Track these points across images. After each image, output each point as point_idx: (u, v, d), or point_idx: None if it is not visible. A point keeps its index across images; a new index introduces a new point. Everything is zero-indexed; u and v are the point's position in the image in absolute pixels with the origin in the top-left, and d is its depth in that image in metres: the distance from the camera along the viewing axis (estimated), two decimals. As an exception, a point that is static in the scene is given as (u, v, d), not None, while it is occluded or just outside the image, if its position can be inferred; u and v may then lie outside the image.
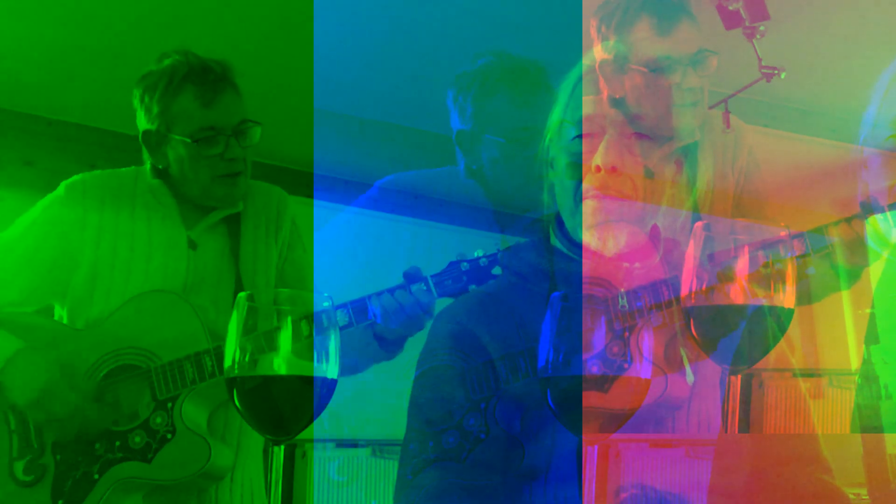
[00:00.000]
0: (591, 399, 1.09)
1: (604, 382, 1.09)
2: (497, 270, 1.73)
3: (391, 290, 1.77)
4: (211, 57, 2.06)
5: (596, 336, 1.10)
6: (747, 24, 3.20)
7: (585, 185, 1.64)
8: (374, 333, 1.81)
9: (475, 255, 1.75)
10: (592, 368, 1.10)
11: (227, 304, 1.99)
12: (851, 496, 1.66)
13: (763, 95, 3.79)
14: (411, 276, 1.77)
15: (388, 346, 1.84)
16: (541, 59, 2.20)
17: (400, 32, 3.44)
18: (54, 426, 1.86)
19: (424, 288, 1.75)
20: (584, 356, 1.10)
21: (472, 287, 1.74)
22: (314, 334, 1.11)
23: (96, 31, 3.58)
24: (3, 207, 2.10)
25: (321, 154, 4.90)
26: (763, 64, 3.35)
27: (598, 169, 1.63)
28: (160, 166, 2.07)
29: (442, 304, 1.84)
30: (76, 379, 1.88)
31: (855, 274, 1.59)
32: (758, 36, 3.25)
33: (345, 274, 1.93)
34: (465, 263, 1.75)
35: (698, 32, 1.81)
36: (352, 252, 2.23)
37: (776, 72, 3.37)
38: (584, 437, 1.12)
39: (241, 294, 1.13)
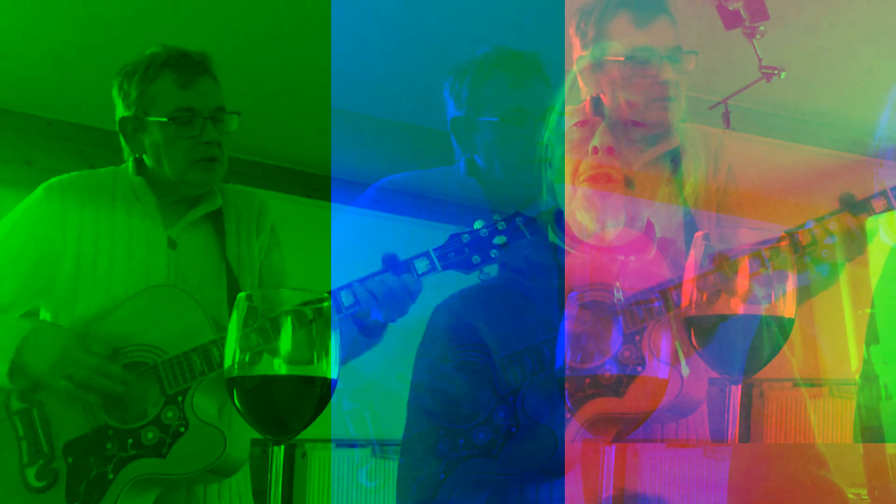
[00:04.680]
0: (606, 403, 1.08)
1: (619, 385, 1.09)
2: (499, 240, 1.72)
3: (377, 275, 1.76)
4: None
5: (611, 339, 1.09)
6: (747, 24, 3.21)
7: (582, 168, 1.66)
8: (357, 322, 1.79)
9: (475, 226, 1.75)
10: (607, 372, 1.09)
11: (213, 302, 1.99)
12: (851, 496, 1.66)
13: (761, 104, 3.81)
14: (391, 262, 1.76)
15: (372, 332, 1.83)
16: (549, 57, 2.21)
17: (412, 30, 3.45)
18: (78, 396, 1.85)
19: (427, 262, 1.74)
20: (599, 360, 1.09)
21: (476, 258, 1.73)
22: (314, 334, 1.11)
23: (97, 31, 3.58)
24: (3, 207, 2.09)
25: (321, 154, 4.91)
26: (763, 64, 3.36)
27: (595, 150, 1.65)
28: (136, 155, 2.06)
29: (437, 298, 1.83)
30: (91, 344, 1.87)
31: (834, 272, 1.59)
32: (758, 36, 3.26)
33: (349, 273, 1.91)
34: (465, 235, 1.74)
35: (676, 31, 1.82)
36: (352, 252, 2.23)
37: (776, 72, 3.38)
38: (602, 437, 1.11)
39: (241, 294, 1.12)
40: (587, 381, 1.10)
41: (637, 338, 1.09)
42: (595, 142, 1.65)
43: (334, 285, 1.78)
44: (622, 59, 1.79)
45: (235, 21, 3.54)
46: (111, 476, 1.82)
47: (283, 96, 4.19)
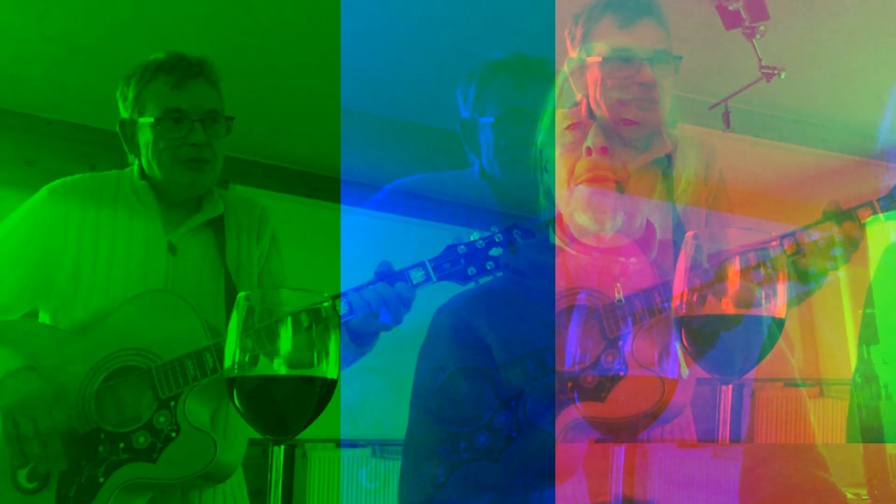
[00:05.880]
0: (615, 408, 1.09)
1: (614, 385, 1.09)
2: (495, 252, 1.73)
3: (371, 284, 1.77)
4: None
5: (620, 340, 1.10)
6: (747, 24, 3.22)
7: (577, 170, 1.67)
8: (349, 329, 1.81)
9: (471, 238, 1.76)
10: (617, 372, 1.10)
11: (211, 308, 2.00)
12: (852, 496, 1.66)
13: (761, 105, 3.81)
14: (385, 271, 1.77)
15: (363, 340, 1.83)
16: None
17: (422, 30, 3.45)
18: (35, 437, 1.85)
19: (423, 272, 1.74)
20: (602, 362, 1.10)
21: (471, 270, 1.74)
22: (314, 335, 1.11)
23: (97, 31, 3.58)
24: (3, 207, 2.10)
25: (325, 154, 4.91)
26: (763, 64, 3.36)
27: (589, 151, 1.66)
28: (133, 157, 2.08)
29: (440, 299, 1.83)
30: (68, 396, 1.87)
31: (817, 276, 1.59)
32: (758, 36, 3.26)
33: (357, 275, 1.91)
34: (462, 247, 1.75)
35: (662, 34, 1.83)
36: (362, 254, 2.23)
37: (776, 72, 3.38)
38: (611, 438, 1.11)
39: (241, 294, 1.12)
40: (591, 381, 1.11)
41: (619, 343, 1.09)
42: (588, 142, 1.67)
43: (342, 287, 1.79)
44: (600, 59, 1.80)
45: (243, 22, 3.54)
46: (102, 479, 1.82)
47: (289, 97, 4.19)
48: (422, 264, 1.74)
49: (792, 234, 1.58)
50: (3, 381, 1.85)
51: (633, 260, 1.68)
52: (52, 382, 1.87)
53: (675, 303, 1.10)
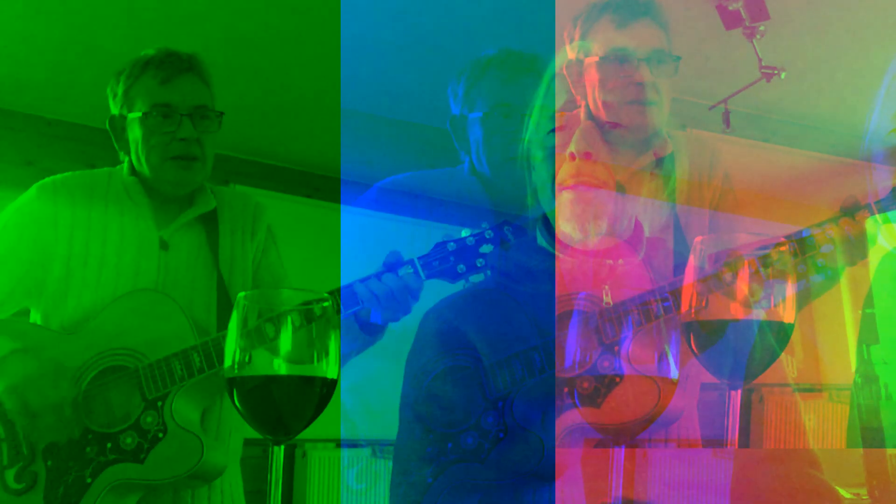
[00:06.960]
0: (610, 413, 1.09)
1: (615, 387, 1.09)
2: (486, 249, 1.71)
3: (378, 275, 1.76)
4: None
5: (621, 342, 1.10)
6: (747, 24, 3.22)
7: (561, 174, 1.66)
8: (358, 319, 1.80)
9: (462, 234, 1.74)
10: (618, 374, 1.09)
11: (203, 304, 1.99)
12: (852, 496, 1.66)
13: (760, 107, 3.81)
14: (394, 262, 1.75)
15: (373, 330, 1.82)
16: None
17: (421, 29, 3.45)
18: (27, 420, 1.85)
19: (412, 271, 1.73)
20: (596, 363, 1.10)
21: (461, 267, 1.72)
22: (314, 334, 1.11)
23: (97, 31, 3.58)
24: (3, 207, 2.09)
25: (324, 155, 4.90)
26: (763, 64, 3.36)
27: (573, 156, 1.66)
28: (123, 154, 2.07)
29: (428, 302, 1.83)
30: (61, 380, 1.87)
31: (834, 276, 1.59)
32: (758, 36, 3.26)
33: (351, 273, 1.91)
34: (451, 244, 1.73)
35: (660, 35, 1.83)
36: (354, 253, 2.22)
37: (776, 72, 3.38)
38: (610, 439, 1.11)
39: (241, 294, 1.12)
40: (588, 387, 1.11)
41: (616, 348, 1.09)
42: (572, 147, 1.66)
43: (340, 285, 1.77)
44: (597, 59, 1.80)
45: (243, 22, 3.54)
46: (89, 480, 1.81)
47: (290, 97, 4.19)
48: (410, 262, 1.72)
49: (792, 235, 1.58)
50: None
51: (620, 261, 1.67)
52: (46, 363, 1.86)
53: (684, 307, 1.10)
